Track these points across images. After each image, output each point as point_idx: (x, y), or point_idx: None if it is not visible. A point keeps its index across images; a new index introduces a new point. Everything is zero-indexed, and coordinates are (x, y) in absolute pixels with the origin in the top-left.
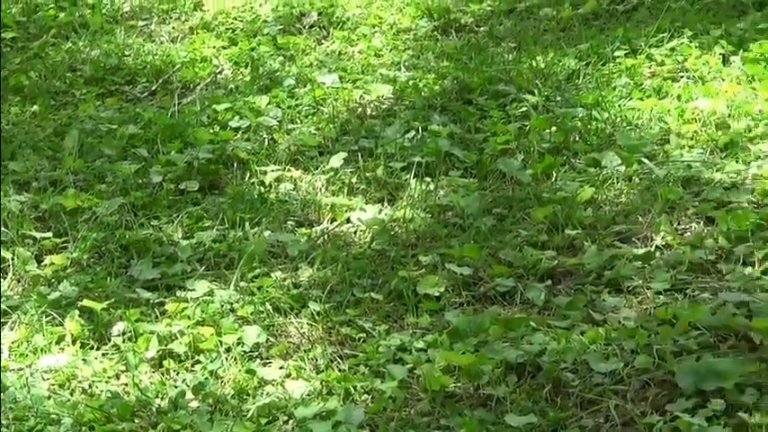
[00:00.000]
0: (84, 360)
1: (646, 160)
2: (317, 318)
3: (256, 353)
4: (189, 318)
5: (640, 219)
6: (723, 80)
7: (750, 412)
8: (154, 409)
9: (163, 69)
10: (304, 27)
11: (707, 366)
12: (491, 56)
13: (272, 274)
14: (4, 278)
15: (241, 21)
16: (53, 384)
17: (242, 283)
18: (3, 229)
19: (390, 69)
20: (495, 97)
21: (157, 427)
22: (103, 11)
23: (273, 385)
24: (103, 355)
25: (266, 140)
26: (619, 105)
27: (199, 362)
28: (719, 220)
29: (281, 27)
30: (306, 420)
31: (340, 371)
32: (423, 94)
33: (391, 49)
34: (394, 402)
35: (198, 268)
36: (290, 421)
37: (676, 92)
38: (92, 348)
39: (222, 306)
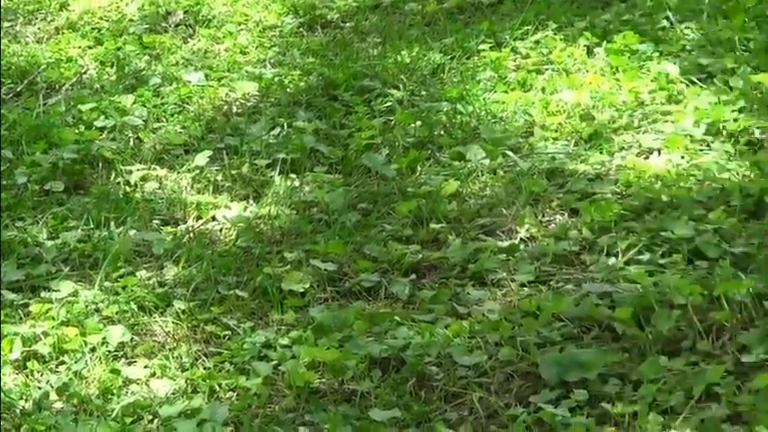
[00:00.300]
0: None
1: (510, 153)
2: (181, 316)
3: (121, 352)
4: (53, 318)
5: (505, 211)
6: (587, 72)
7: (613, 402)
8: (17, 410)
9: (28, 70)
10: (170, 26)
11: (570, 357)
12: (356, 51)
13: (137, 274)
14: None
15: (107, 20)
16: None
17: (107, 283)
18: None
19: (256, 66)
20: (361, 93)
21: (21, 428)
22: None
23: (138, 384)
24: None
25: (132, 140)
26: (483, 99)
27: (63, 363)
28: (583, 212)
29: (147, 26)
30: (171, 419)
31: (205, 369)
32: (288, 90)
33: (257, 47)
34: (258, 399)
35: (63, 269)
36: (155, 420)
37: (541, 84)
38: None
39: (87, 306)
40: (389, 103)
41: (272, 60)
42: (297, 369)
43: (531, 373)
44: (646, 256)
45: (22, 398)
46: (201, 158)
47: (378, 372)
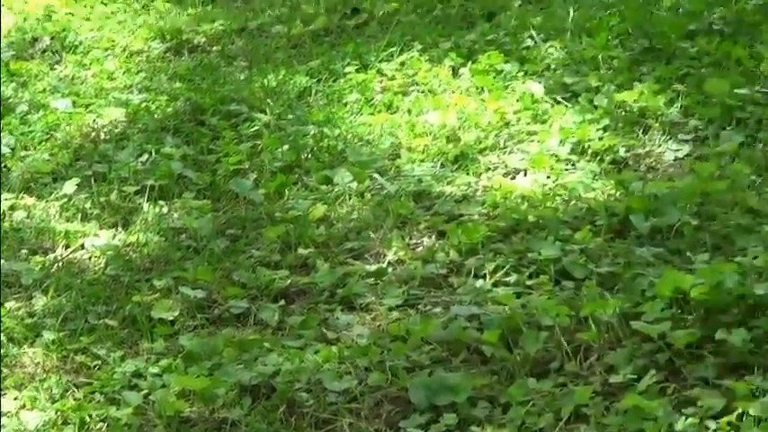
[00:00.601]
0: None
1: (377, 176)
2: (51, 347)
3: None
4: None
5: (372, 235)
6: (453, 92)
7: (482, 426)
8: None
9: None
10: (37, 52)
11: (439, 381)
12: (223, 76)
13: (6, 304)
14: None
15: None
16: None
17: None
18: None
19: (123, 92)
20: (228, 117)
21: None
22: None
23: (8, 417)
24: None
25: None
26: (350, 121)
27: None
28: (450, 234)
29: (14, 53)
30: None
31: (75, 400)
32: (155, 116)
33: (124, 72)
34: (129, 429)
35: None
36: None
37: (407, 106)
38: None
39: None
40: (256, 128)
41: (139, 86)
42: (167, 398)
43: (400, 398)
44: (513, 278)
45: None
46: (70, 186)
47: (248, 399)
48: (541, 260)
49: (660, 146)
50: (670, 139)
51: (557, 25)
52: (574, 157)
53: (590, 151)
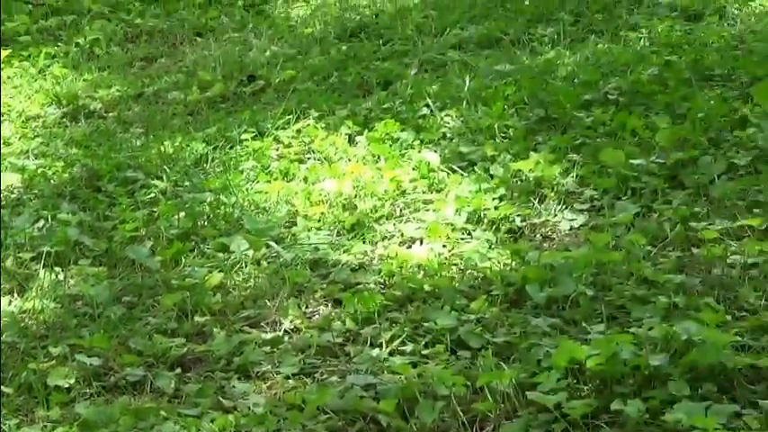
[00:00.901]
0: None
1: (273, 244)
2: None
3: None
4: None
5: (269, 303)
6: (349, 160)
7: None
8: None
9: None
10: None
11: None
12: (120, 142)
13: None
14: None
15: None
16: None
17: None
18: None
19: (19, 158)
20: (124, 184)
21: None
22: None
23: None
24: None
25: None
26: (246, 189)
27: None
28: (347, 302)
29: None
30: None
31: None
32: (52, 182)
33: (20, 138)
34: None
35: None
36: None
37: (303, 174)
38: None
39: None
40: (153, 195)
41: (35, 151)
42: None
43: None
44: (409, 347)
45: None
46: None
47: None
48: (437, 330)
49: (556, 215)
50: (566, 208)
51: (453, 94)
52: (470, 227)
53: (486, 220)
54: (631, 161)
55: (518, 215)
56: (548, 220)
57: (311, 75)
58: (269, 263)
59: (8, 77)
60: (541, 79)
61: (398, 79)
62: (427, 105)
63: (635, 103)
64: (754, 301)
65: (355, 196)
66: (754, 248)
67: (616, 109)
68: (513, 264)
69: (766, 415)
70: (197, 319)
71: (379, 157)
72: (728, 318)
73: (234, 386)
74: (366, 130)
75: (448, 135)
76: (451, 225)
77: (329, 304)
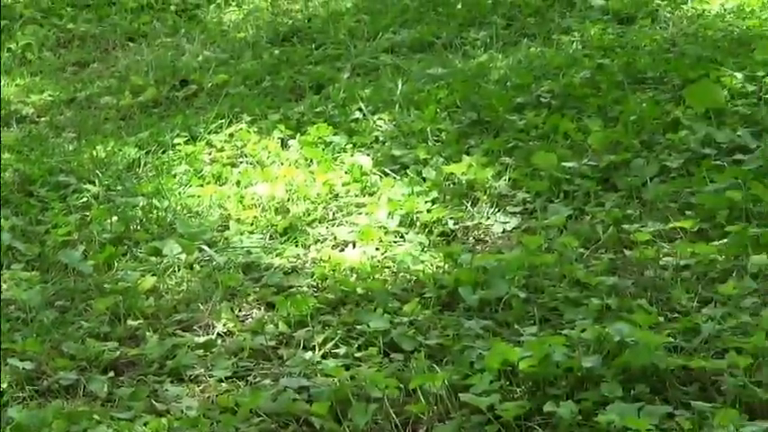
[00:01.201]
0: None
1: (206, 247)
2: None
3: None
4: None
5: (202, 306)
6: (282, 164)
7: None
8: None
9: None
10: None
11: None
12: (52, 146)
13: None
14: None
15: None
16: None
17: None
18: None
19: None
20: (57, 188)
21: None
22: None
23: None
24: None
25: None
26: (179, 193)
27: None
28: (279, 306)
29: None
30: None
31: None
32: None
33: None
34: None
35: None
36: None
37: (236, 178)
38: None
39: None
40: (85, 199)
41: None
42: None
43: None
44: (342, 350)
45: None
46: None
47: None
48: (370, 332)
49: (488, 218)
50: (498, 211)
51: (385, 98)
52: (402, 230)
53: (418, 223)
54: (564, 164)
55: (451, 218)
56: (480, 223)
57: (244, 79)
58: (202, 267)
59: None
60: (474, 83)
61: (331, 83)
62: (360, 109)
63: (567, 106)
64: (687, 302)
65: (288, 200)
66: (686, 250)
67: (548, 112)
68: (446, 266)
69: (699, 416)
70: (130, 322)
71: (311, 161)
72: (661, 319)
73: (167, 389)
74: (299, 134)
75: (380, 139)
76: (384, 228)
77: (262, 307)
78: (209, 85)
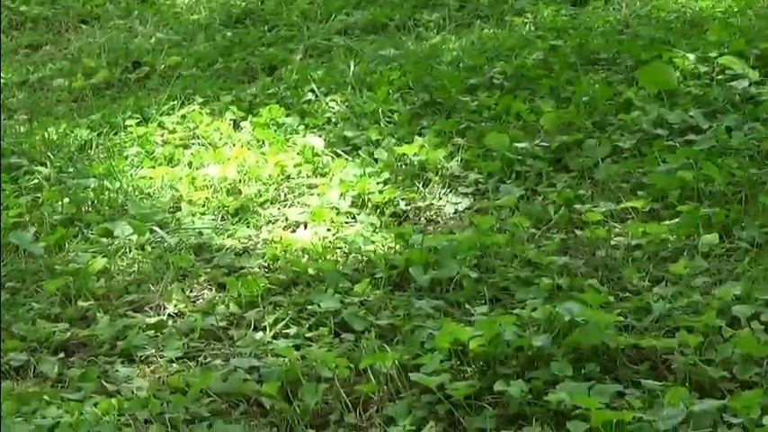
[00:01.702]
0: None
1: (158, 229)
2: None
3: None
4: None
5: (153, 287)
6: (234, 146)
7: None
8: None
9: None
10: None
11: None
12: (4, 128)
13: None
14: None
15: None
16: None
17: None
18: None
19: None
20: (8, 170)
21: None
22: None
23: None
24: None
25: None
26: (131, 175)
27: None
28: (230, 286)
29: None
30: None
31: None
32: None
33: None
34: None
35: None
36: None
37: (187, 159)
38: None
39: None
40: (37, 181)
41: None
42: None
43: None
44: (293, 330)
45: None
46: None
47: None
48: (321, 313)
49: (440, 199)
50: (450, 192)
51: (337, 79)
52: (354, 210)
53: (370, 204)
54: (516, 144)
55: (402, 199)
56: (432, 204)
57: (196, 61)
58: (153, 248)
59: None
60: (426, 64)
61: (284, 65)
62: (312, 91)
63: (520, 88)
64: (638, 282)
65: (240, 181)
66: (637, 230)
67: (501, 93)
68: (397, 247)
69: (649, 394)
70: (80, 304)
71: (263, 142)
72: (612, 299)
73: (117, 370)
74: (251, 116)
75: (333, 120)
76: (336, 209)
77: (213, 288)
78: (162, 66)
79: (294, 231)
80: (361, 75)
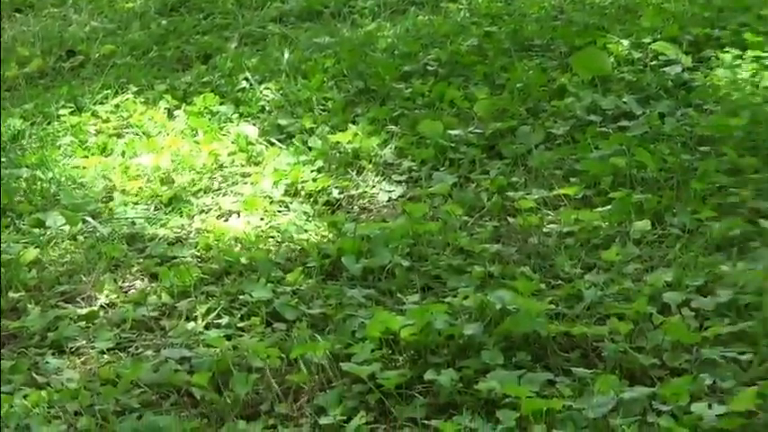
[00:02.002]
0: None
1: (90, 219)
2: None
3: None
4: None
5: (84, 278)
6: (168, 134)
7: None
8: None
9: None
10: None
11: (149, 425)
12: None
13: None
14: None
15: None
16: None
17: None
18: None
19: None
20: None
21: None
22: None
23: None
24: None
25: None
26: (63, 164)
27: None
28: (163, 276)
29: None
30: None
31: None
32: None
33: None
34: None
35: None
36: None
37: (121, 148)
38: None
39: None
40: None
41: None
42: None
43: None
44: (225, 320)
45: None
46: None
47: None
48: (253, 302)
49: (374, 187)
50: (384, 180)
51: (272, 67)
52: (287, 199)
53: (303, 193)
54: (449, 132)
55: (336, 187)
56: (365, 192)
57: (131, 49)
58: (85, 238)
59: None
60: (361, 51)
61: (218, 53)
62: (246, 79)
63: (454, 75)
64: (570, 269)
65: (173, 170)
66: (569, 217)
67: (435, 80)
68: (330, 236)
69: (579, 382)
70: (11, 295)
71: (197, 131)
72: (543, 286)
73: (48, 362)
74: (185, 105)
75: (267, 108)
76: (269, 198)
77: (145, 278)
78: (96, 55)
79: (227, 220)
80: (295, 62)
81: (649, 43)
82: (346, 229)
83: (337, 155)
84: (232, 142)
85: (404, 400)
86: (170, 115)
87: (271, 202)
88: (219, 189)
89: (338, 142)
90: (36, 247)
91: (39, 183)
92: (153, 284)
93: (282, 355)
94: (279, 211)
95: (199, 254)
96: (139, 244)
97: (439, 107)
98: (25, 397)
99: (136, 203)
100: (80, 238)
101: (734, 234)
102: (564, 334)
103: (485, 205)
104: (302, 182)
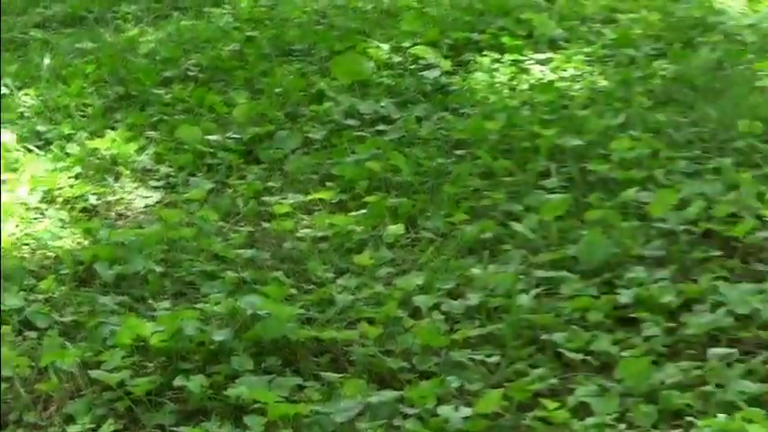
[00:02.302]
0: None
1: None
2: None
3: None
4: None
5: None
6: None
7: None
8: None
9: None
10: None
11: None
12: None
13: None
14: None
15: None
16: None
17: None
18: None
19: None
20: None
21: None
22: None
23: None
24: None
25: None
26: None
27: None
28: None
29: None
30: None
31: None
32: None
33: None
34: None
35: None
36: None
37: None
38: None
39: None
40: None
41: None
42: None
43: None
44: None
45: None
46: None
47: None
48: (5, 311)
49: (131, 193)
50: (141, 186)
51: (32, 73)
52: (44, 206)
53: (60, 200)
54: (208, 137)
55: (93, 194)
56: (122, 198)
57: None
58: None
59: None
60: (122, 57)
61: None
62: (6, 85)
63: (215, 80)
64: (322, 273)
65: None
66: (324, 222)
67: (195, 85)
68: (86, 242)
69: (328, 386)
70: None
71: None
72: (295, 291)
73: None
74: None
75: (26, 114)
76: (25, 205)
77: None
78: None
79: None
80: (56, 68)
81: (409, 47)
82: (101, 235)
83: (95, 161)
84: None
85: (153, 406)
86: None
87: (27, 209)
88: None
89: (96, 148)
90: None
91: None
92: None
93: (33, 364)
94: (35, 219)
95: None
96: None
97: (198, 112)
98: None
99: None
100: None
101: (486, 237)
102: (314, 338)
103: (240, 211)
104: (59, 188)
